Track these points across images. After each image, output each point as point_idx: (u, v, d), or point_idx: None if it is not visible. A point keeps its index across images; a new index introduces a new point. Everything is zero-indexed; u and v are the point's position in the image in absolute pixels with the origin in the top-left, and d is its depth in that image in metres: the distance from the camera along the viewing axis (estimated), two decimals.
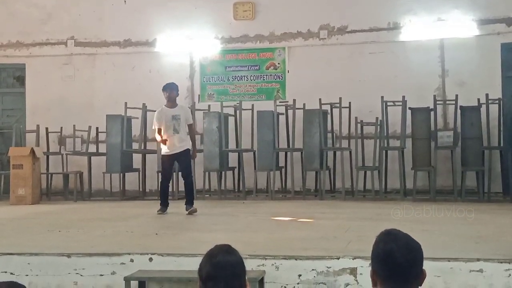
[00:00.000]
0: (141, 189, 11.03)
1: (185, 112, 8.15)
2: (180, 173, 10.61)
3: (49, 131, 11.50)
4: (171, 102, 8.01)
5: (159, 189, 8.62)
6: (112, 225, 7.01)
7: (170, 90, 8.02)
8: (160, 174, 10.61)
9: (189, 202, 7.93)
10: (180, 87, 11.41)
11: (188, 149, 7.99)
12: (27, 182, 10.03)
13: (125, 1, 10.80)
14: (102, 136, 11.30)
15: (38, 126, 11.35)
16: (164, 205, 8.06)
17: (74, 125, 11.39)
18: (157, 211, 7.97)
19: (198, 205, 9.45)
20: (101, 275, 4.69)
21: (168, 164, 8.10)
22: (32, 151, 10.23)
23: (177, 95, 8.15)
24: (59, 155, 11.42)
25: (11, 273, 4.73)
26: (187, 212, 7.82)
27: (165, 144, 7.89)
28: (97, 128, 11.33)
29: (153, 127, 8.08)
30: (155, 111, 10.76)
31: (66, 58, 12.23)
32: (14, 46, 12.35)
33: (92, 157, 11.12)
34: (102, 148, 11.22)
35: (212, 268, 2.26)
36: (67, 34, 12.18)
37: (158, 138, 8.03)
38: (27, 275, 4.71)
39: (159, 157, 10.53)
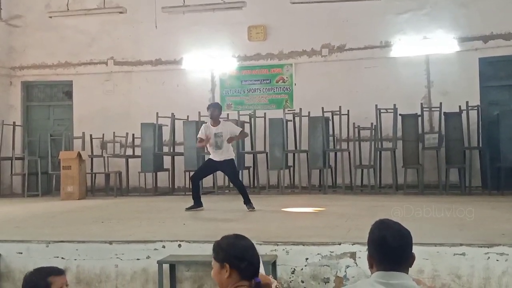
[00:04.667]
0: (170, 186, 11.05)
1: (228, 127, 7.48)
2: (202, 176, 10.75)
3: (92, 137, 11.53)
4: (213, 120, 7.42)
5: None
6: (146, 216, 7.03)
7: (213, 109, 7.47)
8: (186, 172, 10.72)
9: (246, 202, 7.36)
10: (203, 99, 11.61)
11: (230, 159, 7.43)
12: (74, 181, 10.11)
13: (156, 26, 10.82)
14: (137, 141, 11.35)
15: (83, 133, 11.44)
16: (196, 203, 7.47)
17: (113, 132, 11.46)
18: (186, 208, 7.44)
19: (219, 199, 9.55)
20: (138, 259, 4.71)
21: (206, 165, 7.60)
22: (79, 154, 10.31)
23: (218, 114, 7.51)
24: (101, 157, 11.45)
25: (62, 258, 4.77)
26: (248, 210, 7.29)
27: (202, 146, 7.53)
28: (133, 134, 11.38)
29: (198, 136, 7.53)
30: (182, 120, 10.93)
31: (107, 75, 12.30)
32: (63, 66, 12.45)
33: (129, 159, 11.17)
34: (138, 151, 11.27)
35: (244, 246, 2.33)
36: (107, 55, 12.26)
37: (198, 144, 7.63)
38: (75, 259, 4.75)
39: (186, 158, 10.61)
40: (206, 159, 7.83)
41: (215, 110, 7.47)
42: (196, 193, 7.56)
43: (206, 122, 11.11)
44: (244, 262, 2.28)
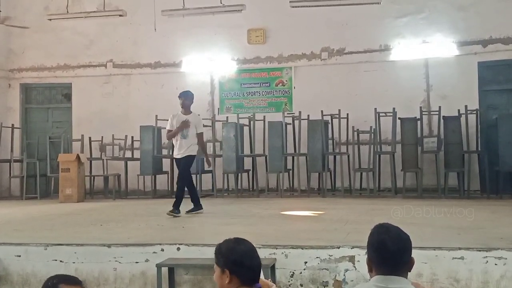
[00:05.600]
0: (169, 189, 11.05)
1: (196, 120, 7.43)
2: (202, 174, 10.78)
3: (91, 139, 11.55)
4: (185, 109, 7.38)
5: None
6: (145, 219, 7.03)
7: (185, 97, 7.40)
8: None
9: (174, 204, 7.14)
10: (202, 102, 11.64)
11: (189, 156, 7.25)
12: (73, 183, 10.11)
13: (155, 29, 10.83)
14: (136, 144, 11.36)
15: (82, 135, 11.44)
16: (195, 205, 7.37)
17: (112, 135, 11.46)
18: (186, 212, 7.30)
19: (218, 202, 9.56)
20: (137, 262, 4.71)
21: (177, 166, 7.47)
22: (78, 157, 10.31)
23: (190, 103, 7.43)
24: (100, 160, 11.48)
25: (61, 261, 4.77)
26: (168, 211, 7.12)
27: (173, 136, 7.34)
28: (132, 137, 11.39)
29: (167, 128, 7.56)
30: None
31: (106, 78, 12.32)
32: (62, 68, 12.46)
33: (128, 162, 11.18)
34: (137, 154, 11.27)
35: (243, 250, 2.32)
36: (106, 57, 12.28)
37: (168, 137, 7.57)
38: (74, 263, 4.74)
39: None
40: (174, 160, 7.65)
41: (186, 99, 7.38)
42: (195, 196, 7.49)
43: (205, 125, 11.16)
44: (243, 268, 2.27)
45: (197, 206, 7.45)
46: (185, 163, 7.28)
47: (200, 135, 7.39)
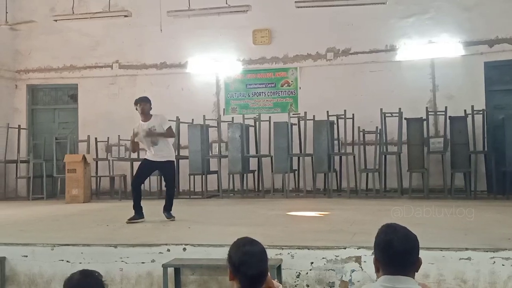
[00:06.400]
0: (175, 190, 11.03)
1: (159, 120, 6.79)
2: (208, 175, 10.78)
3: (97, 140, 11.59)
4: (144, 115, 6.80)
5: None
6: (151, 220, 7.01)
7: (144, 103, 6.78)
8: (190, 176, 10.73)
9: (166, 209, 6.88)
10: (207, 102, 11.66)
11: (171, 161, 6.92)
12: (79, 184, 10.15)
13: (161, 30, 10.85)
14: (142, 145, 11.35)
15: (88, 136, 11.48)
16: (137, 213, 6.72)
17: (118, 135, 11.47)
18: (128, 220, 6.62)
19: (224, 202, 9.57)
20: (143, 262, 4.72)
21: (145, 168, 6.91)
22: (84, 158, 10.35)
23: (150, 107, 6.85)
24: (106, 160, 11.49)
25: (67, 261, 4.78)
26: (166, 218, 6.82)
27: (133, 152, 7.08)
28: None
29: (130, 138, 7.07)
30: (187, 123, 10.94)
31: (111, 79, 12.36)
32: (68, 69, 12.52)
33: (133, 162, 11.18)
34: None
35: (243, 255, 2.27)
36: (112, 58, 12.31)
37: (130, 147, 7.23)
38: (80, 263, 4.74)
39: (191, 162, 10.62)
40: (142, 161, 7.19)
41: (146, 104, 6.81)
42: (137, 202, 6.83)
43: (210, 126, 11.16)
44: (239, 274, 2.24)
45: (138, 215, 6.84)
46: (173, 170, 7.12)
47: (169, 129, 6.87)
